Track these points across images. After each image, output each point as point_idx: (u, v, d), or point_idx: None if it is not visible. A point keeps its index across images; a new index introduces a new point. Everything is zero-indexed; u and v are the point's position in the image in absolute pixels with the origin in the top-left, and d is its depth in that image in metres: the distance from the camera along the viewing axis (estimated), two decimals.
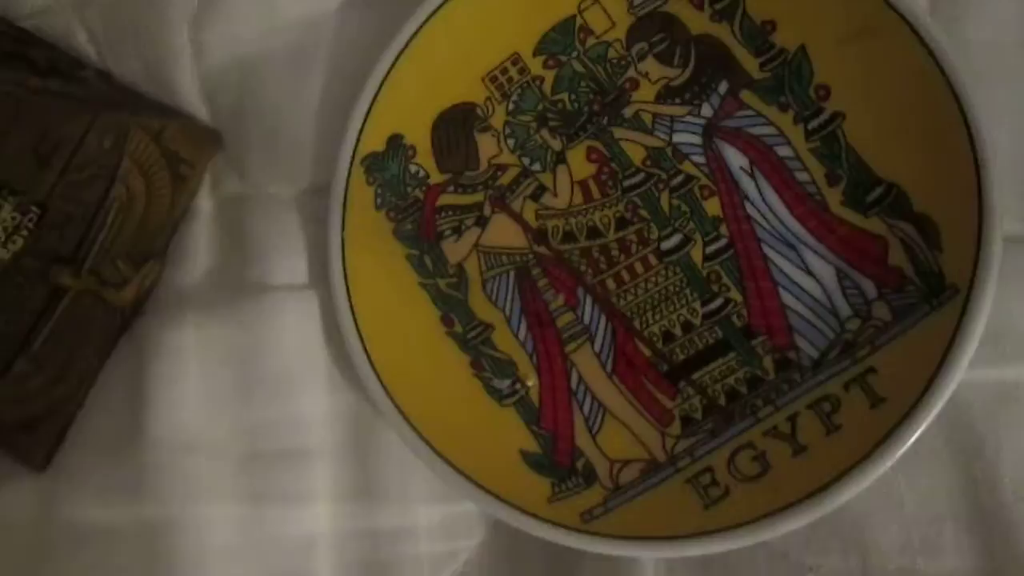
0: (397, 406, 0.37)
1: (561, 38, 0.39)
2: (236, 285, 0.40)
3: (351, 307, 0.38)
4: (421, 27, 0.38)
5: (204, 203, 0.42)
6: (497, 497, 0.36)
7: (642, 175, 0.38)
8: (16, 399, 0.39)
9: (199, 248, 0.41)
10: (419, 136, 0.39)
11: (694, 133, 0.38)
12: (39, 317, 0.39)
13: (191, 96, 0.42)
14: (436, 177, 0.39)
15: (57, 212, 0.39)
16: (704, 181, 0.37)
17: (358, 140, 0.39)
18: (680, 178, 0.38)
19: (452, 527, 0.39)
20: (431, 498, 0.39)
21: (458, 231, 0.39)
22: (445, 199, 0.39)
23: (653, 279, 0.38)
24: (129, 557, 0.39)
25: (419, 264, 0.39)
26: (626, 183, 0.38)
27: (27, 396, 0.40)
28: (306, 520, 0.39)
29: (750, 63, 0.37)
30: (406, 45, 0.38)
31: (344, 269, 0.38)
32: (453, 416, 0.38)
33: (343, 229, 0.38)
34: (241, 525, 0.39)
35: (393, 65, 0.38)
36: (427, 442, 0.37)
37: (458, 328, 0.38)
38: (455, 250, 0.39)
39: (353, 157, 0.39)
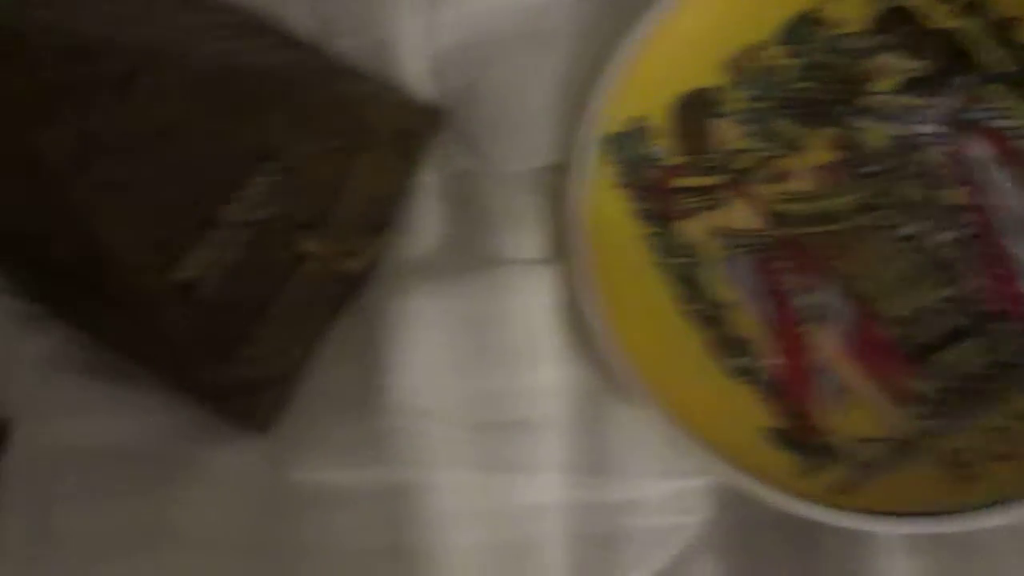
0: (640, 381, 0.38)
1: (803, 28, 0.40)
2: (470, 258, 0.41)
3: (591, 283, 0.39)
4: (665, 10, 0.39)
5: (431, 178, 0.42)
6: (746, 472, 0.37)
7: (882, 163, 0.39)
8: (252, 361, 0.40)
9: (428, 221, 0.42)
10: (659, 118, 0.40)
11: (934, 123, 0.39)
12: (280, 282, 0.40)
13: (419, 74, 0.43)
14: (675, 159, 0.40)
15: (306, 180, 0.40)
16: (944, 170, 0.38)
17: (599, 120, 0.40)
18: (920, 167, 0.39)
19: (681, 502, 0.40)
20: (660, 473, 0.40)
21: (696, 212, 0.40)
22: (683, 181, 0.40)
23: (893, 264, 0.39)
24: (363, 519, 0.39)
25: (657, 243, 0.40)
26: (865, 170, 0.39)
27: (261, 359, 0.40)
28: (535, 490, 0.40)
29: (993, 57, 0.38)
30: (649, 28, 0.39)
31: (584, 246, 0.39)
32: (693, 393, 0.38)
33: (582, 207, 0.39)
34: (473, 492, 0.39)
35: (635, 47, 0.39)
36: (671, 418, 0.37)
37: (696, 307, 0.39)
38: (693, 231, 0.40)
39: (594, 136, 0.40)
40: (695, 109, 0.41)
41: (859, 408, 0.38)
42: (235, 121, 0.36)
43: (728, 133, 0.40)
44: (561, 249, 0.40)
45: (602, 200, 0.40)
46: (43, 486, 0.41)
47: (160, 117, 0.34)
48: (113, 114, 0.33)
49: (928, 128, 0.39)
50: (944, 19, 0.39)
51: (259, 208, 0.38)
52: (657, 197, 0.40)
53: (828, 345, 0.38)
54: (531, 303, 0.40)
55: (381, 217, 0.43)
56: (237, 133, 0.36)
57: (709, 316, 0.39)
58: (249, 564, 0.39)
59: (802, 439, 0.38)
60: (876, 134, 0.39)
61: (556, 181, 0.41)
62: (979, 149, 0.38)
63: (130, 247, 0.34)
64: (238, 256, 0.38)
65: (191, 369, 0.39)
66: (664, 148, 0.40)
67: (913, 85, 0.39)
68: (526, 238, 0.41)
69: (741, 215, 0.40)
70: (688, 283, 0.40)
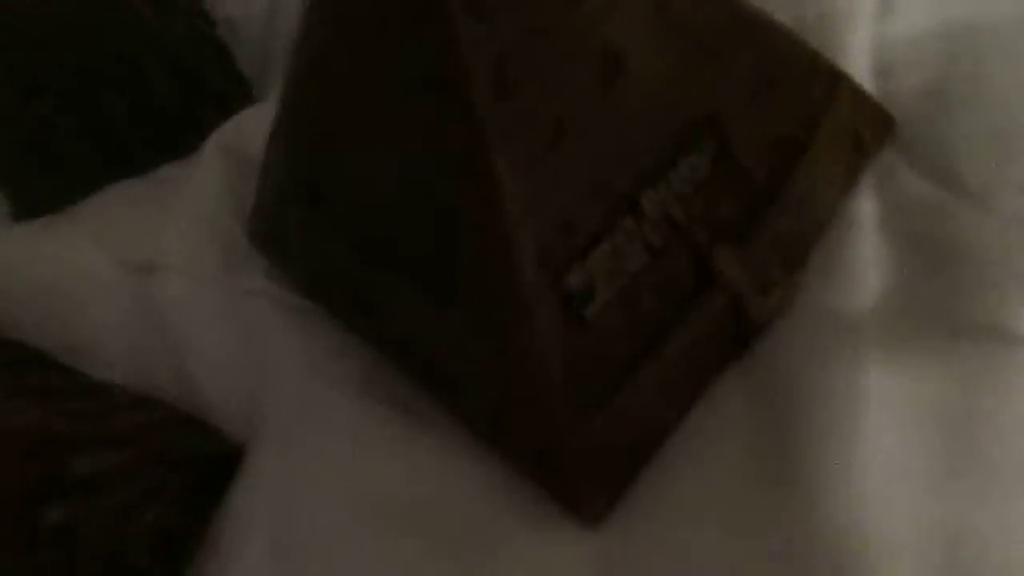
0: None
1: None
2: (942, 323, 0.28)
3: None
4: None
5: (871, 205, 0.31)
6: None
7: None
8: (617, 419, 0.29)
9: (868, 263, 0.30)
10: None
11: None
12: (679, 312, 0.29)
13: (856, 65, 0.32)
14: None
15: (740, 170, 0.29)
16: None
17: None
18: None
19: None
20: None
21: None
22: None
23: None
24: None
25: None
26: None
27: (627, 418, 0.29)
28: None
29: None
30: None
31: None
32: None
33: None
34: None
35: None
36: None
37: None
38: None
39: None
40: None
41: None
42: (693, 67, 0.25)
43: None
44: None
45: None
46: (295, 531, 0.29)
47: (610, 37, 0.23)
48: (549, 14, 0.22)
49: None
50: None
51: (680, 201, 0.28)
52: None
53: None
54: None
55: (800, 248, 0.32)
56: (691, 83, 0.25)
57: None
58: None
59: None
60: None
61: None
62: None
63: (527, 224, 0.23)
64: (639, 266, 0.27)
65: (537, 415, 0.28)
66: None
67: None
68: None
69: None
70: None
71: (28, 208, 0.36)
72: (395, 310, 0.29)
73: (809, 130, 0.28)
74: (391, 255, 0.27)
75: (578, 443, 0.27)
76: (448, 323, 0.27)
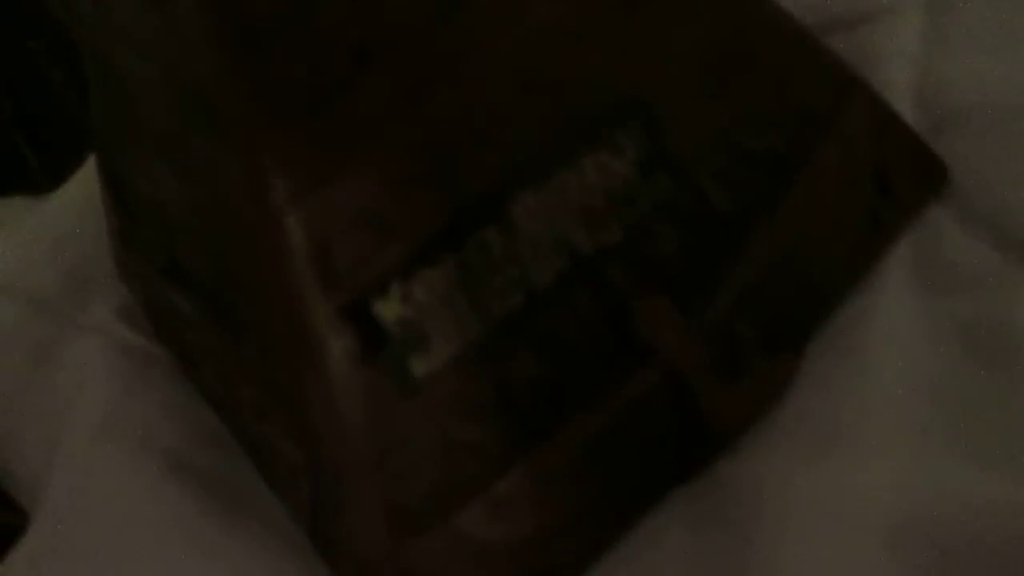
0: None
1: None
2: (995, 438, 0.19)
3: None
4: None
5: (895, 272, 0.22)
6: None
7: None
8: (469, 546, 0.20)
9: (886, 349, 0.20)
10: None
11: None
12: (581, 396, 0.20)
13: (900, 108, 0.24)
14: None
15: (688, 187, 0.21)
16: None
17: None
18: None
19: None
20: None
21: None
22: None
23: None
24: None
25: None
26: None
27: (485, 550, 0.20)
28: None
29: None
30: None
31: None
32: None
33: None
34: None
35: None
36: None
37: None
38: None
39: None
40: None
41: None
42: (603, 15, 0.17)
43: None
44: None
45: None
46: None
47: None
48: None
49: None
50: None
51: (581, 217, 0.19)
52: None
53: None
54: None
55: (793, 323, 0.22)
56: (600, 39, 0.17)
57: None
58: None
59: None
60: None
61: None
62: None
63: (301, 205, 0.16)
64: (509, 309, 0.19)
65: (345, 525, 0.19)
66: None
67: None
68: None
69: None
70: None
71: None
72: (209, 356, 0.21)
73: (801, 149, 0.20)
74: (190, 279, 0.20)
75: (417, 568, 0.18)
76: (247, 373, 0.19)
